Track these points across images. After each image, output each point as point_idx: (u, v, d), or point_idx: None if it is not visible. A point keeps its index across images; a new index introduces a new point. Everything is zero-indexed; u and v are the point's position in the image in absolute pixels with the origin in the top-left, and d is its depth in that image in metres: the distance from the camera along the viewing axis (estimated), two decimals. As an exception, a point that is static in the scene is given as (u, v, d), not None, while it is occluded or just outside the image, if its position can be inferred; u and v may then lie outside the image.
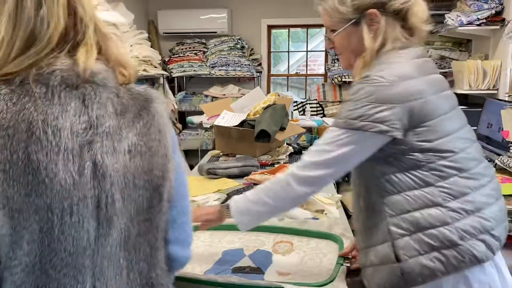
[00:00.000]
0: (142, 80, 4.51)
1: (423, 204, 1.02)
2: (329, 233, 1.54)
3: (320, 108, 4.88)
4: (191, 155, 5.09)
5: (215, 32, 4.86)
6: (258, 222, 1.22)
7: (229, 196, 1.35)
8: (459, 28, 3.36)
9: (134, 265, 0.75)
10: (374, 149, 1.04)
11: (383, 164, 1.06)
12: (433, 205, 1.01)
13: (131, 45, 4.30)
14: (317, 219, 1.71)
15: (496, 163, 2.44)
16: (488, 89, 3.21)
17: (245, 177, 2.21)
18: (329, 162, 1.05)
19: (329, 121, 4.32)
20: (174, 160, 0.81)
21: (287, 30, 5.32)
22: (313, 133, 4.43)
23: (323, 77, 5.24)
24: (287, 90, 5.42)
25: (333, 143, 1.04)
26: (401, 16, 1.08)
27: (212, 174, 2.27)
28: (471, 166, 1.04)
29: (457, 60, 3.96)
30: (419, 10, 1.10)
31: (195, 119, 4.04)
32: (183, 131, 5.00)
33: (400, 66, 1.04)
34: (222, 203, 1.35)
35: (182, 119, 5.04)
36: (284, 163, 2.52)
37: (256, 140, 2.46)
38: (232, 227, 1.62)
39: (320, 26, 5.16)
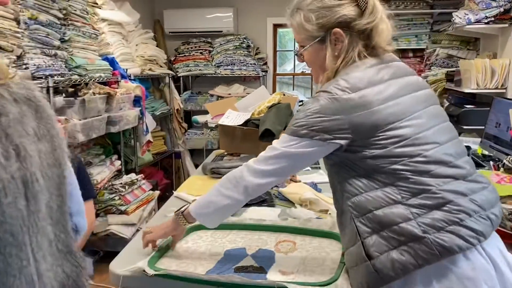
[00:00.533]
0: (147, 79, 4.51)
1: (384, 203, 1.05)
2: (332, 232, 1.52)
3: (326, 108, 4.84)
4: (197, 155, 5.09)
5: (221, 31, 4.86)
6: (221, 216, 1.28)
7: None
8: (467, 26, 3.32)
9: (58, 236, 0.84)
10: (320, 155, 1.12)
11: (342, 169, 1.13)
12: (394, 203, 1.04)
13: (136, 45, 4.31)
14: (321, 218, 1.69)
15: (504, 163, 2.40)
16: (496, 88, 3.17)
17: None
18: (278, 158, 1.13)
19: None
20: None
21: (293, 29, 5.29)
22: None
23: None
24: (293, 89, 5.39)
25: (283, 144, 1.12)
26: (365, 35, 1.12)
27: (215, 173, 2.25)
28: (431, 169, 1.05)
29: (464, 58, 3.91)
30: (384, 29, 1.13)
31: (200, 118, 4.03)
32: (188, 130, 5.00)
33: (352, 78, 1.08)
34: (176, 211, 1.35)
35: (187, 118, 5.04)
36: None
37: (261, 140, 2.44)
38: (235, 226, 1.62)
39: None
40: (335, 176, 1.17)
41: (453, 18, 3.41)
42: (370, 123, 1.05)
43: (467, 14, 3.34)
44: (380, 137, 1.06)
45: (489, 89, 3.18)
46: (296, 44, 1.28)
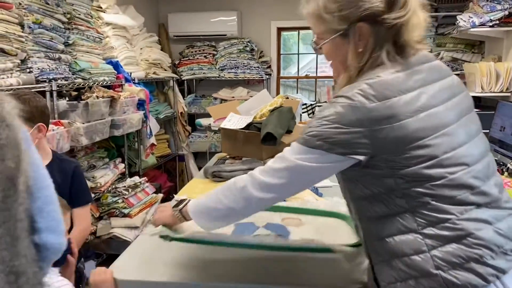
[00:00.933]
0: (151, 82, 4.53)
1: (397, 230, 0.95)
2: (335, 211, 1.51)
3: (330, 111, 4.83)
4: (200, 157, 5.09)
5: (225, 35, 4.87)
6: (219, 224, 1.16)
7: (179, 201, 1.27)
8: (471, 29, 3.30)
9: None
10: (335, 171, 1.00)
11: (357, 186, 1.01)
12: (408, 231, 0.94)
13: (141, 48, 4.33)
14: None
15: (508, 167, 2.38)
16: (501, 91, 3.15)
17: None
18: (287, 171, 0.99)
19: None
20: (30, 154, 0.85)
21: (297, 32, 5.29)
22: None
23: (333, 79, 5.19)
24: (297, 93, 5.38)
25: (294, 155, 0.99)
26: (394, 32, 0.97)
27: (217, 177, 2.25)
28: (454, 194, 0.93)
29: (469, 62, 3.89)
30: (415, 25, 0.98)
31: (204, 121, 4.04)
32: (192, 133, 5.00)
33: (378, 83, 0.94)
34: (175, 206, 1.25)
35: (191, 121, 5.05)
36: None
37: (262, 143, 2.44)
38: None
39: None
40: (348, 193, 1.06)
41: (458, 21, 3.39)
42: (395, 138, 0.91)
43: (472, 17, 3.32)
44: (406, 155, 0.92)
45: (494, 92, 3.16)
46: (312, 36, 1.14)
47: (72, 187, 1.77)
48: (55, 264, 1.62)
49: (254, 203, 1.04)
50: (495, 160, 2.62)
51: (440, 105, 0.96)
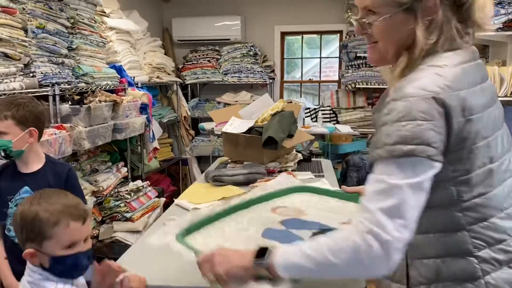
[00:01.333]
0: (155, 86, 4.55)
1: (448, 251, 0.85)
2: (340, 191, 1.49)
3: (334, 115, 4.83)
4: (204, 161, 5.10)
5: (229, 39, 4.88)
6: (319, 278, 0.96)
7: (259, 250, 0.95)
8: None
9: None
10: (430, 182, 0.82)
11: None
12: (463, 254, 0.85)
13: (144, 52, 4.35)
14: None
15: None
16: (506, 95, 3.12)
17: (251, 185, 2.19)
18: (394, 197, 0.79)
19: (342, 128, 4.27)
20: None
21: (301, 36, 5.30)
22: (325, 140, 4.38)
23: (337, 84, 5.19)
24: (300, 97, 5.38)
25: (391, 178, 0.80)
26: (463, 10, 0.87)
27: (217, 181, 2.25)
28: (508, 204, 0.87)
29: (473, 66, 3.87)
30: (487, 4, 0.88)
31: (207, 125, 4.04)
32: (195, 137, 5.01)
33: (448, 72, 0.84)
34: (257, 256, 0.91)
35: (194, 125, 5.05)
36: (292, 170, 2.49)
37: (264, 147, 2.43)
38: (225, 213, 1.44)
39: (334, 32, 5.15)
40: None
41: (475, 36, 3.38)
42: (466, 133, 0.83)
43: (478, 31, 3.30)
44: (471, 155, 0.84)
45: (498, 97, 3.14)
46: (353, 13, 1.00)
47: (65, 189, 1.77)
48: None
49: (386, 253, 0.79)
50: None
51: (492, 107, 0.90)
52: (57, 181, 1.78)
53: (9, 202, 1.71)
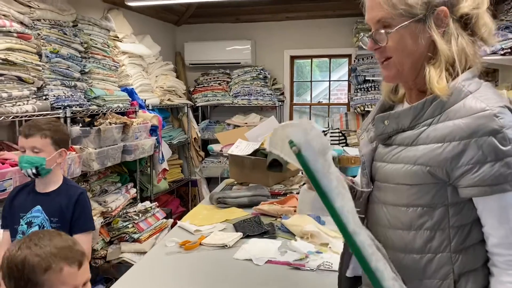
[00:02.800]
0: (166, 109, 4.63)
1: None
2: None
3: (343, 137, 4.82)
4: (213, 183, 5.12)
5: (239, 63, 4.96)
6: None
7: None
8: (483, 57, 3.28)
9: None
10: None
11: (464, 209, 0.93)
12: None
13: (156, 76, 4.45)
14: (321, 252, 1.66)
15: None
16: (514, 119, 3.10)
17: (254, 207, 2.20)
18: None
19: (351, 150, 4.26)
20: None
21: (310, 60, 5.36)
22: (334, 163, 4.36)
23: (346, 106, 5.21)
24: (310, 119, 5.39)
25: None
26: (467, 25, 0.92)
27: (221, 203, 2.27)
28: None
29: (483, 89, 3.86)
30: (488, 23, 0.93)
31: (216, 147, 4.07)
32: (205, 158, 5.05)
33: (488, 91, 0.90)
34: None
35: (204, 147, 5.10)
36: (297, 193, 2.49)
37: (268, 169, 2.45)
38: None
39: (343, 56, 5.20)
40: (447, 218, 0.94)
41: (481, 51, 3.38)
42: None
43: (483, 45, 3.31)
44: None
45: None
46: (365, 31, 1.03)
47: (74, 212, 1.82)
48: None
49: None
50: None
51: None
52: (67, 203, 1.82)
53: (21, 219, 1.75)
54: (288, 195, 2.41)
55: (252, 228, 1.90)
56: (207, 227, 1.94)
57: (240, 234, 1.83)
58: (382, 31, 0.94)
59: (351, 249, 0.85)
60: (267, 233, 1.88)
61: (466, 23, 0.92)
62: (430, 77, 0.91)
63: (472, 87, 0.90)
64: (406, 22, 0.91)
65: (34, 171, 1.72)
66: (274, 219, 2.06)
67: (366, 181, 1.04)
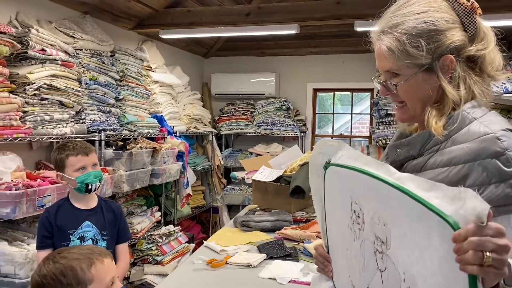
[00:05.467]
0: (192, 136, 4.79)
1: None
2: None
3: (364, 170, 4.87)
4: (234, 210, 5.19)
5: (263, 94, 5.12)
6: None
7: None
8: (504, 95, 3.35)
9: None
10: None
11: None
12: None
13: (184, 104, 4.63)
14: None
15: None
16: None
17: (277, 231, 2.27)
18: None
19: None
20: None
21: (333, 93, 5.49)
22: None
23: (368, 139, 5.27)
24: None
25: None
26: (476, 64, 0.95)
27: (245, 226, 2.34)
28: None
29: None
30: (495, 59, 0.96)
31: (238, 174, 4.18)
32: (227, 186, 5.15)
33: (497, 119, 0.92)
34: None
35: (227, 174, 5.21)
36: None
37: (291, 196, 2.53)
38: None
39: (365, 90, 5.31)
40: None
41: (491, 87, 3.45)
42: None
43: (504, 83, 3.38)
44: None
45: None
46: (378, 77, 1.06)
47: (120, 224, 2.01)
48: None
49: None
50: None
51: None
52: (113, 216, 1.99)
53: (71, 236, 1.87)
54: (310, 221, 2.48)
55: (275, 250, 1.97)
56: (232, 248, 2.02)
57: (264, 255, 1.90)
58: (392, 80, 0.98)
59: None
60: (290, 255, 1.94)
61: (474, 63, 0.95)
62: (429, 118, 0.95)
63: (477, 114, 0.93)
64: (413, 74, 0.95)
65: (98, 184, 1.89)
66: (296, 243, 2.12)
67: None
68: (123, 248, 2.03)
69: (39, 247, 1.85)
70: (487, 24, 0.98)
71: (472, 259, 0.66)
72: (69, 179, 1.85)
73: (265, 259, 1.88)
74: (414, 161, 0.99)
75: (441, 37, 0.94)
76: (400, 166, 1.02)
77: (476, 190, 0.85)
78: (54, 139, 2.62)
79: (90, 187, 1.86)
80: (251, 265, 1.80)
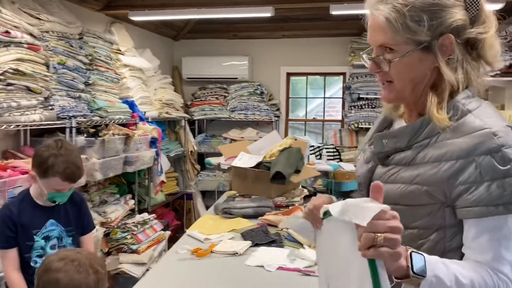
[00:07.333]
0: (164, 121, 4.68)
1: None
2: None
3: (337, 153, 4.92)
4: (208, 196, 5.15)
5: (236, 78, 5.06)
6: None
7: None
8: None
9: None
10: None
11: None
12: None
13: (155, 89, 4.51)
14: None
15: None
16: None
17: (260, 217, 2.25)
18: None
19: (345, 165, 4.36)
20: None
21: (306, 77, 5.48)
22: (329, 177, 4.45)
23: (340, 123, 5.32)
24: (305, 135, 5.50)
25: None
26: (474, 49, 0.90)
27: (227, 213, 2.31)
28: None
29: (473, 109, 4.01)
30: (494, 45, 0.91)
31: (213, 160, 4.13)
32: (201, 172, 5.09)
33: (493, 114, 0.89)
34: (414, 259, 0.79)
35: (200, 160, 5.15)
36: (298, 205, 2.55)
37: (272, 182, 2.52)
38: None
39: (338, 74, 5.33)
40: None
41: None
42: None
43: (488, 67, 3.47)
44: None
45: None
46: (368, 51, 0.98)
47: (84, 216, 1.94)
48: None
49: None
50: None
51: None
52: (77, 210, 1.91)
53: (35, 236, 1.78)
54: (291, 207, 2.48)
55: (260, 237, 1.96)
56: (215, 236, 1.99)
57: (249, 243, 1.88)
58: (386, 56, 0.91)
59: None
60: (274, 242, 1.93)
61: (472, 47, 0.90)
62: (431, 106, 0.89)
63: (472, 106, 0.89)
64: (409, 51, 0.88)
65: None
66: (280, 229, 2.11)
67: None
68: (88, 239, 1.98)
69: (4, 246, 1.75)
70: (489, 8, 0.93)
71: (365, 242, 0.72)
72: (40, 187, 1.75)
73: (251, 246, 1.87)
74: (401, 153, 0.94)
75: (444, 13, 0.87)
76: (385, 157, 0.98)
77: (468, 188, 0.84)
78: (22, 126, 2.48)
79: (57, 202, 1.80)
80: (237, 253, 1.78)
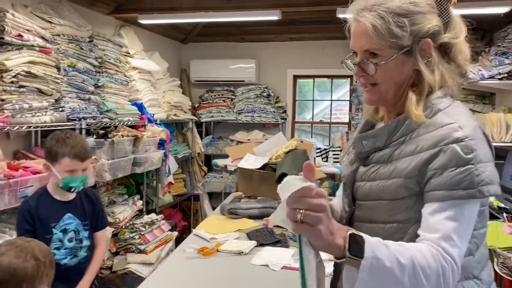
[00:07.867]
0: (172, 123, 4.73)
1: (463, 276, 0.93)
2: None
3: (344, 156, 4.94)
4: (215, 197, 5.19)
5: (243, 81, 5.10)
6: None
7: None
8: (481, 81, 3.43)
9: None
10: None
11: None
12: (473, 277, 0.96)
13: (163, 91, 4.56)
14: (333, 260, 1.75)
15: (519, 215, 2.43)
16: (511, 141, 3.22)
17: (265, 218, 2.28)
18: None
19: (351, 168, 4.37)
20: None
21: (312, 80, 5.51)
22: (335, 180, 4.47)
23: (347, 126, 5.34)
24: (311, 137, 5.52)
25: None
26: (446, 53, 0.98)
27: (233, 214, 2.35)
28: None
29: (479, 112, 4.00)
30: (465, 48, 0.99)
31: (220, 162, 4.17)
32: (208, 173, 5.13)
33: (465, 114, 0.95)
34: (353, 240, 0.79)
35: (208, 162, 5.19)
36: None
37: (277, 183, 2.54)
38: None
39: (345, 77, 5.36)
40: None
41: (467, 74, 3.53)
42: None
43: (481, 70, 3.46)
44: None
45: (504, 142, 3.24)
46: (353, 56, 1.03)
47: (98, 211, 2.03)
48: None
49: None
50: (506, 208, 2.67)
51: None
52: (92, 206, 2.01)
53: (53, 229, 1.86)
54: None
55: (265, 237, 1.99)
56: (221, 235, 2.02)
57: (254, 242, 1.91)
58: (370, 61, 0.96)
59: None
60: (279, 242, 1.96)
61: (445, 51, 0.98)
62: (410, 103, 0.96)
63: (442, 105, 0.96)
64: (394, 55, 0.95)
65: (82, 186, 1.91)
66: (285, 229, 2.14)
67: (348, 202, 1.07)
68: (101, 235, 2.06)
69: None
70: (461, 13, 1.01)
71: (288, 217, 0.78)
72: (55, 175, 1.84)
73: (256, 246, 1.90)
74: (380, 152, 1.01)
75: (423, 19, 0.95)
76: (366, 157, 1.04)
77: (434, 173, 0.89)
78: (33, 128, 2.54)
79: (72, 189, 1.87)
80: (242, 252, 1.81)
